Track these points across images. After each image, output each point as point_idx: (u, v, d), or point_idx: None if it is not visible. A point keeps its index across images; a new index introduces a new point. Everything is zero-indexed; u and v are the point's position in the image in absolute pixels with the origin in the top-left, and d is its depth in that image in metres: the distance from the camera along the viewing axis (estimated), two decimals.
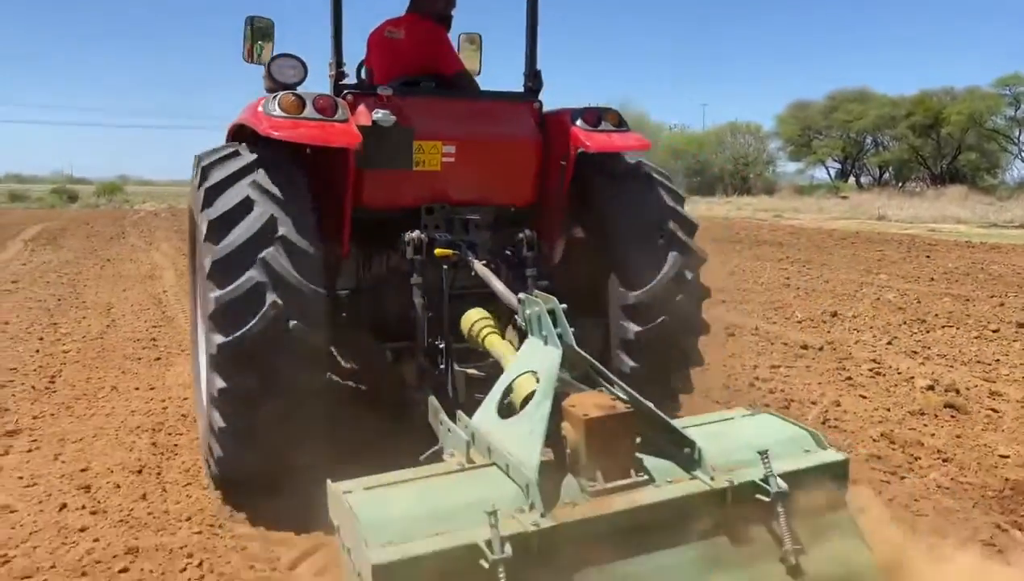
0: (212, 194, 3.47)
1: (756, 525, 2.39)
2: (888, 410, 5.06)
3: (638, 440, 2.47)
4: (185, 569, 3.04)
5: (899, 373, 5.95)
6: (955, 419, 4.92)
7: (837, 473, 2.59)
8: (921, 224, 22.55)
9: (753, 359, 6.40)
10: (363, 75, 4.62)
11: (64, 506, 3.55)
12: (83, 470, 3.97)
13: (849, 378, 5.82)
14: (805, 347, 6.80)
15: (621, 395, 2.60)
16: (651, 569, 2.28)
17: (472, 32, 5.21)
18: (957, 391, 5.40)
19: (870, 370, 6.00)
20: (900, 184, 43.93)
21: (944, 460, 4.22)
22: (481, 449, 2.59)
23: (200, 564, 3.07)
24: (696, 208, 31.07)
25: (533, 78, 4.41)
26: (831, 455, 2.64)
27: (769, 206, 31.74)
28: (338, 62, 4.03)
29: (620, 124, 4.25)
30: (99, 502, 3.61)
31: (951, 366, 6.21)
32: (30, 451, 4.24)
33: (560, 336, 2.70)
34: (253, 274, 3.26)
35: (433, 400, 3.16)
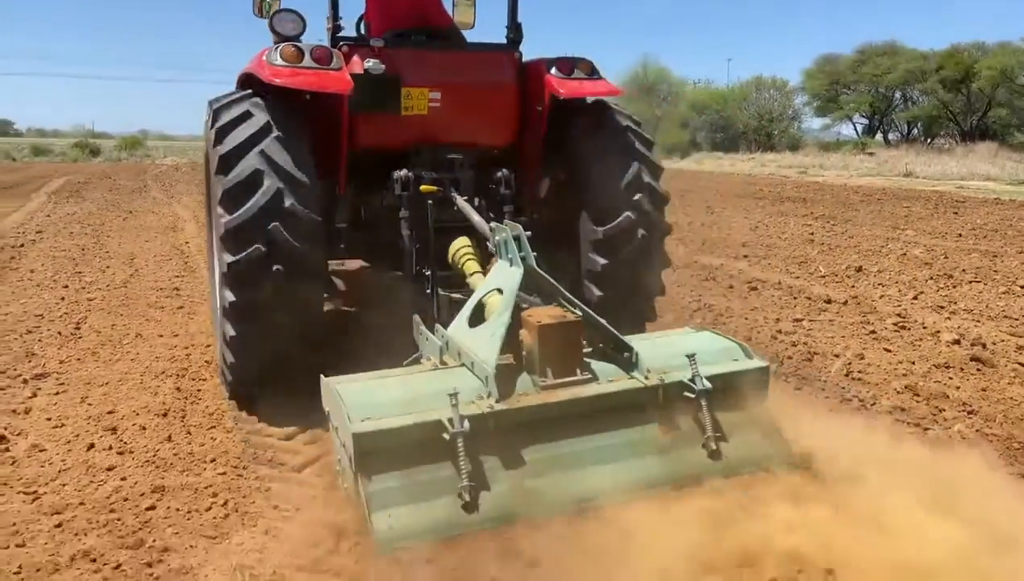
0: (222, 133, 3.87)
1: (683, 416, 2.97)
2: (913, 363, 5.01)
3: (586, 346, 3.05)
4: (210, 508, 3.09)
5: (924, 327, 5.87)
6: (981, 373, 4.85)
7: (759, 378, 3.16)
8: (949, 181, 22.11)
9: (775, 313, 6.35)
10: (362, 28, 4.98)
11: (92, 446, 3.61)
12: (109, 412, 4.02)
13: (873, 332, 5.75)
14: (829, 301, 6.73)
15: (572, 308, 3.10)
16: (589, 448, 2.85)
17: None
18: (983, 345, 5.33)
19: (895, 324, 5.93)
20: (928, 140, 43.02)
21: (969, 412, 4.18)
22: (453, 354, 3.14)
23: (225, 503, 3.11)
24: (719, 165, 30.80)
25: (514, 31, 4.77)
26: (754, 363, 3.20)
27: (793, 163, 31.22)
28: (335, 16, 4.51)
29: (592, 72, 4.59)
30: (125, 443, 3.66)
31: (978, 321, 6.12)
32: (57, 394, 4.30)
33: (523, 259, 3.21)
34: (257, 201, 3.70)
35: (416, 317, 3.63)
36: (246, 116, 3.91)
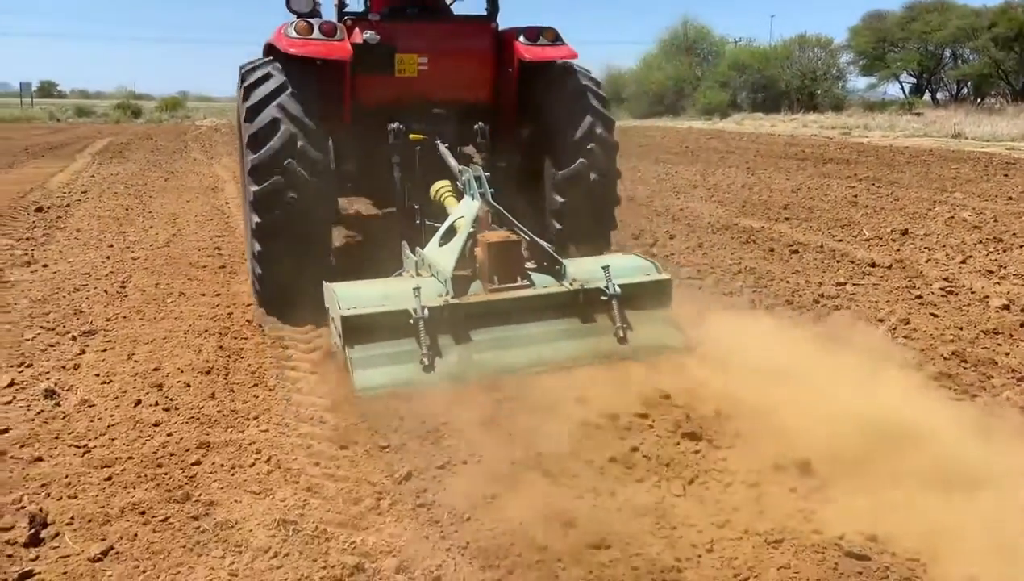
0: (248, 91, 4.78)
1: (600, 313, 4.07)
2: (960, 329, 4.89)
3: (532, 263, 4.18)
4: (254, 464, 3.15)
5: (973, 292, 5.73)
6: None
7: (662, 287, 4.27)
8: (999, 142, 21.38)
9: (818, 277, 6.23)
10: (366, 3, 5.84)
11: (138, 402, 3.69)
12: (155, 369, 4.11)
13: (919, 297, 5.63)
14: (873, 265, 6.59)
15: (517, 231, 4.14)
16: (524, 334, 3.93)
17: None
18: None
19: (942, 289, 5.79)
20: (979, 100, 41.59)
21: (1019, 379, 4.08)
22: (425, 267, 4.20)
23: (268, 460, 3.17)
24: (759, 125, 30.12)
25: (492, 4, 5.63)
26: (658, 276, 4.28)
27: (837, 123, 30.43)
28: None
29: (556, 39, 5.41)
30: (171, 400, 3.74)
31: None
32: (105, 350, 4.40)
33: (482, 194, 4.18)
34: (275, 144, 4.61)
35: (404, 242, 4.76)
36: (267, 77, 4.81)
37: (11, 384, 3.84)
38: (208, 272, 6.26)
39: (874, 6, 73.36)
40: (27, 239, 7.38)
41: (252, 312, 5.15)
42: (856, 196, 10.86)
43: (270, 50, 5.21)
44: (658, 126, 36.03)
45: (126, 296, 5.50)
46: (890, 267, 6.53)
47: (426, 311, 3.70)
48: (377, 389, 3.60)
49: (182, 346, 4.49)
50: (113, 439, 3.33)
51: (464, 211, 4.24)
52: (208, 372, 4.09)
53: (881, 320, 5.07)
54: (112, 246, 7.13)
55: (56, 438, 3.31)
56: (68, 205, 9.57)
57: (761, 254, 7.11)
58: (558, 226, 5.40)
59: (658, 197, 10.83)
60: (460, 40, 5.62)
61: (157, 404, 3.67)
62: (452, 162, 4.88)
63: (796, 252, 7.16)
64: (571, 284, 4.09)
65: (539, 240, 4.28)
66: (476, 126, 5.36)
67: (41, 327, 4.73)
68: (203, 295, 5.57)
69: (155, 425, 3.47)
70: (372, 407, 3.54)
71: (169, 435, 3.37)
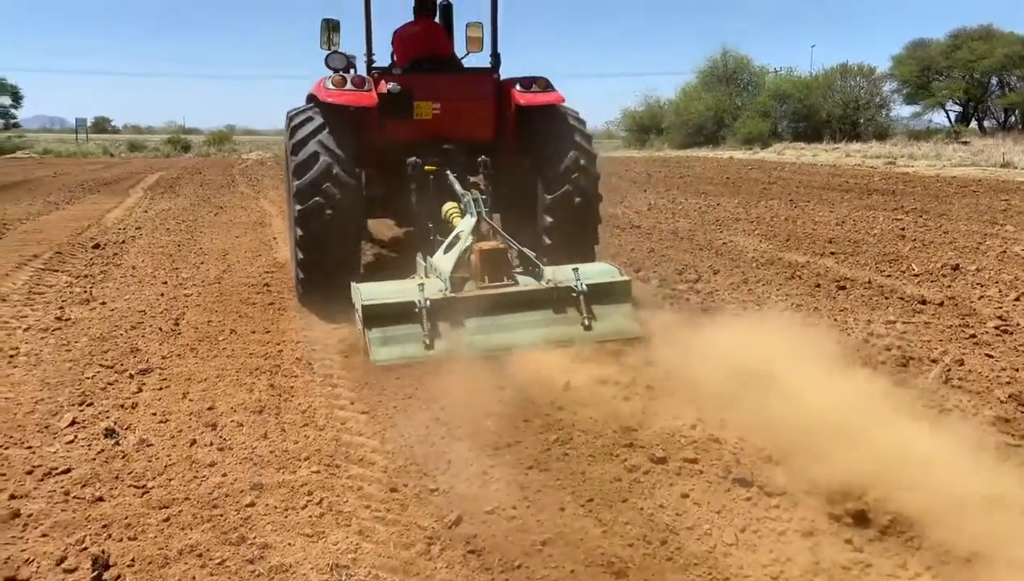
0: (294, 130, 5.93)
1: (570, 307, 5.07)
2: (1017, 371, 4.78)
3: (517, 266, 5.27)
4: (306, 506, 3.19)
5: None
6: None
7: (623, 287, 5.24)
8: None
9: (867, 314, 6.15)
10: (392, 58, 7.03)
11: (194, 442, 3.77)
12: (209, 408, 4.20)
13: (973, 336, 5.51)
14: (923, 302, 6.48)
15: (504, 240, 5.29)
16: (506, 322, 4.90)
17: (475, 21, 7.18)
18: None
19: (996, 328, 5.67)
20: None
21: None
22: (432, 272, 5.26)
23: (320, 502, 3.21)
24: (801, 155, 29.92)
25: (494, 59, 6.70)
26: (620, 278, 5.26)
27: (881, 152, 30.06)
28: (369, 53, 6.48)
29: (547, 87, 6.42)
30: (225, 439, 3.81)
31: None
32: (161, 389, 4.50)
33: (477, 212, 5.30)
34: (315, 172, 5.72)
35: (419, 254, 5.83)
36: (309, 120, 5.94)
37: (73, 423, 3.95)
38: (258, 309, 6.39)
39: (917, 35, 72.44)
40: (85, 276, 7.62)
41: (302, 350, 5.25)
42: (903, 229, 10.70)
43: (312, 98, 6.29)
44: (698, 156, 35.97)
45: (180, 333, 5.64)
46: (941, 304, 6.41)
47: (428, 302, 4.81)
48: (388, 361, 4.68)
49: (234, 385, 4.58)
50: (170, 479, 3.40)
51: (464, 226, 5.35)
52: (260, 411, 4.17)
53: (934, 361, 4.98)
54: (166, 283, 7.32)
55: (116, 478, 3.39)
56: (123, 241, 9.86)
57: (807, 290, 7.03)
58: (547, 241, 6.39)
59: (700, 231, 10.79)
60: (467, 89, 6.68)
61: (212, 444, 3.75)
62: (458, 188, 5.82)
63: (843, 288, 7.07)
64: (547, 283, 5.13)
65: (523, 248, 5.38)
66: (480, 159, 6.39)
67: (100, 365, 4.87)
68: (253, 332, 5.68)
69: (210, 465, 3.54)
70: (420, 449, 3.58)
71: (224, 476, 3.44)
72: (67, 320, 5.94)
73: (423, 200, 6.22)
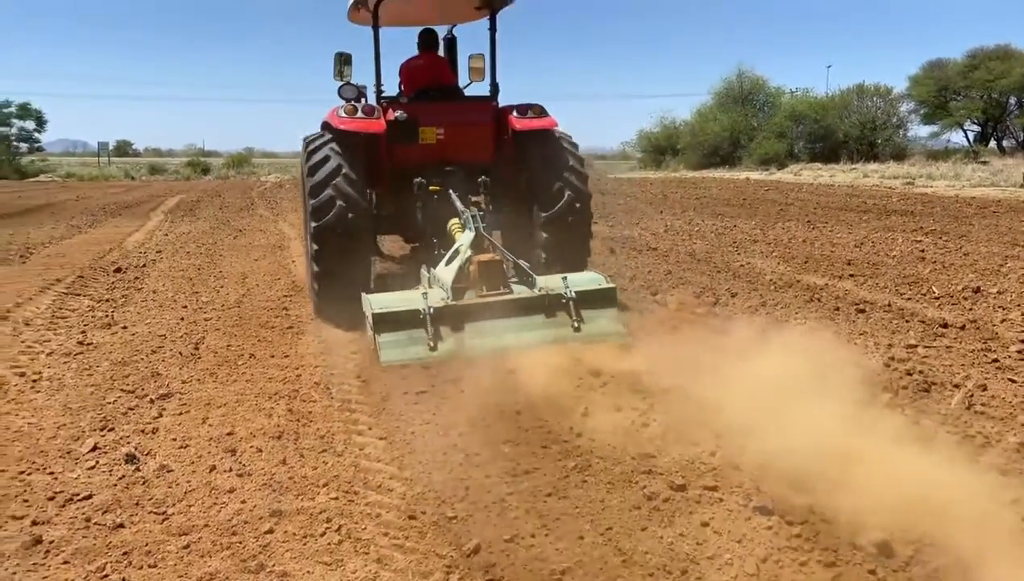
0: (310, 154, 6.46)
1: (560, 312, 5.46)
2: None
3: (511, 275, 5.63)
4: (324, 533, 3.19)
5: None
6: None
7: (609, 293, 5.65)
8: None
9: (887, 338, 6.09)
10: (399, 88, 7.59)
11: (213, 468, 3.79)
12: (228, 434, 4.22)
13: (996, 360, 5.45)
14: (945, 325, 6.41)
15: (501, 253, 5.71)
16: (504, 325, 5.29)
17: (477, 53, 7.69)
18: None
19: (1020, 352, 5.60)
20: None
21: None
22: (435, 283, 5.69)
23: (338, 529, 3.21)
24: (818, 175, 29.82)
25: (493, 88, 7.31)
26: (606, 286, 5.67)
27: (899, 173, 29.91)
28: (378, 84, 7.06)
29: (541, 113, 6.96)
30: (244, 465, 3.82)
31: None
32: (181, 414, 4.53)
33: (476, 228, 5.73)
34: (329, 192, 6.24)
35: (424, 266, 6.23)
36: (324, 145, 6.47)
37: (94, 448, 3.99)
38: (276, 333, 6.43)
39: (934, 55, 72.21)
40: (107, 300, 7.70)
41: (320, 374, 5.27)
42: (923, 251, 10.62)
43: (326, 126, 6.81)
44: (714, 177, 35.93)
45: (200, 358, 5.68)
46: (963, 328, 6.34)
47: (431, 309, 5.24)
48: (395, 362, 5.10)
49: (253, 410, 4.60)
50: (190, 506, 3.42)
51: (464, 240, 5.82)
52: (279, 437, 4.18)
53: (956, 386, 4.93)
54: (186, 307, 7.38)
55: (136, 504, 3.41)
56: (144, 265, 9.97)
57: (826, 313, 6.98)
58: (543, 255, 6.92)
59: (718, 253, 10.77)
60: (468, 115, 7.24)
61: (231, 470, 3.77)
62: (459, 206, 6.26)
63: (863, 311, 7.01)
64: (539, 291, 5.56)
65: (517, 260, 5.84)
66: (480, 179, 6.95)
67: (121, 390, 4.91)
68: (272, 357, 5.72)
69: (229, 491, 3.55)
70: (438, 475, 3.57)
71: (243, 502, 3.45)
72: (89, 344, 6.00)
73: (428, 217, 6.78)
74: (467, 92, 7.77)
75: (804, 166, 38.11)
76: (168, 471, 3.75)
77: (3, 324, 6.61)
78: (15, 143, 45.30)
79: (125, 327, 6.57)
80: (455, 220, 6.31)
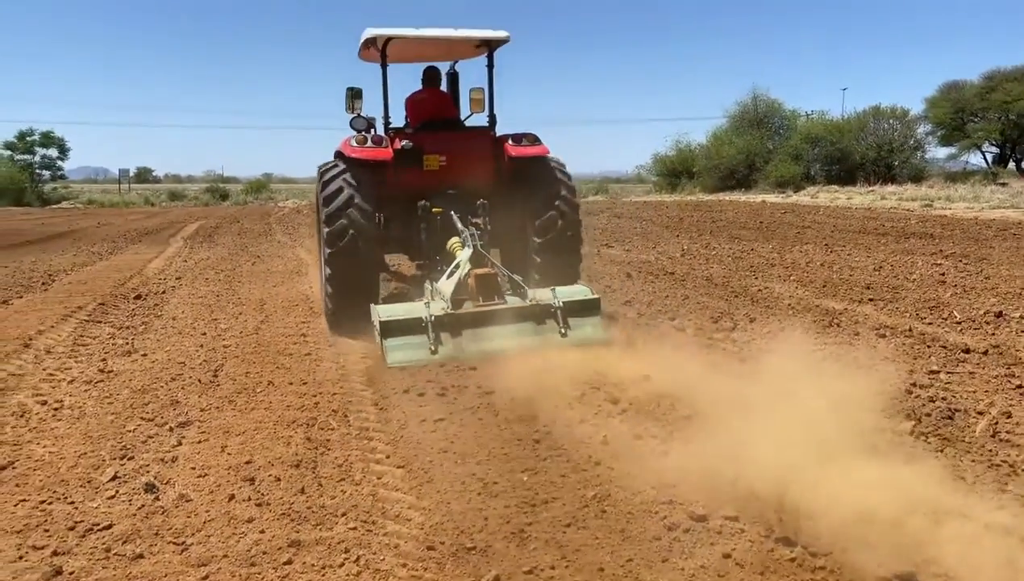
0: (325, 182, 7.16)
1: (549, 320, 6.14)
2: None
3: (506, 288, 6.33)
4: (343, 564, 3.18)
5: None
6: None
7: (593, 303, 6.36)
8: None
9: (908, 364, 6.03)
10: (405, 119, 8.24)
11: (232, 497, 3.78)
12: (247, 462, 4.22)
13: (1020, 386, 5.37)
14: (967, 351, 6.34)
15: (496, 267, 6.42)
16: (499, 331, 5.94)
17: (477, 87, 8.21)
18: None
19: None
20: None
21: None
22: (437, 295, 6.29)
23: (357, 560, 3.20)
24: (835, 198, 29.68)
25: (491, 119, 8.06)
26: (591, 296, 6.40)
27: (917, 195, 29.77)
28: (386, 116, 7.80)
29: (535, 141, 7.76)
30: (263, 495, 3.82)
31: None
32: (200, 442, 4.54)
33: (473, 246, 6.48)
34: (343, 215, 6.94)
35: (427, 281, 6.88)
36: (337, 172, 7.16)
37: (114, 478, 4.00)
38: (295, 359, 6.45)
39: (950, 77, 71.98)
40: (127, 327, 7.76)
41: (338, 402, 5.27)
42: (943, 274, 10.53)
43: (339, 154, 7.57)
44: (730, 200, 35.87)
45: (219, 385, 5.70)
46: (986, 353, 6.27)
47: (433, 317, 5.96)
48: (401, 364, 5.79)
49: (272, 438, 4.60)
50: (209, 536, 3.42)
51: (462, 256, 6.53)
52: (297, 465, 4.18)
53: (980, 413, 4.86)
54: (205, 334, 7.42)
55: (156, 534, 3.42)
56: (164, 292, 10.05)
57: (846, 339, 6.92)
58: (536, 276, 7.51)
59: (735, 277, 10.72)
60: (468, 144, 7.93)
61: (250, 499, 3.77)
62: (459, 226, 7.02)
63: (883, 336, 6.95)
64: (530, 301, 6.29)
65: (511, 274, 6.62)
66: (479, 202, 7.44)
67: (141, 418, 4.94)
68: (290, 384, 5.73)
69: (248, 521, 3.55)
70: (456, 505, 3.55)
71: (262, 532, 3.44)
72: (110, 372, 6.05)
73: (431, 237, 7.44)
74: (468, 122, 8.39)
75: (821, 188, 38.00)
76: (187, 500, 3.76)
77: (25, 352, 6.68)
78: (38, 171, 46.00)
79: (145, 354, 6.61)
80: (456, 239, 7.06)
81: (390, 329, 5.93)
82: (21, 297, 9.64)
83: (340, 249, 6.89)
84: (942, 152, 48.06)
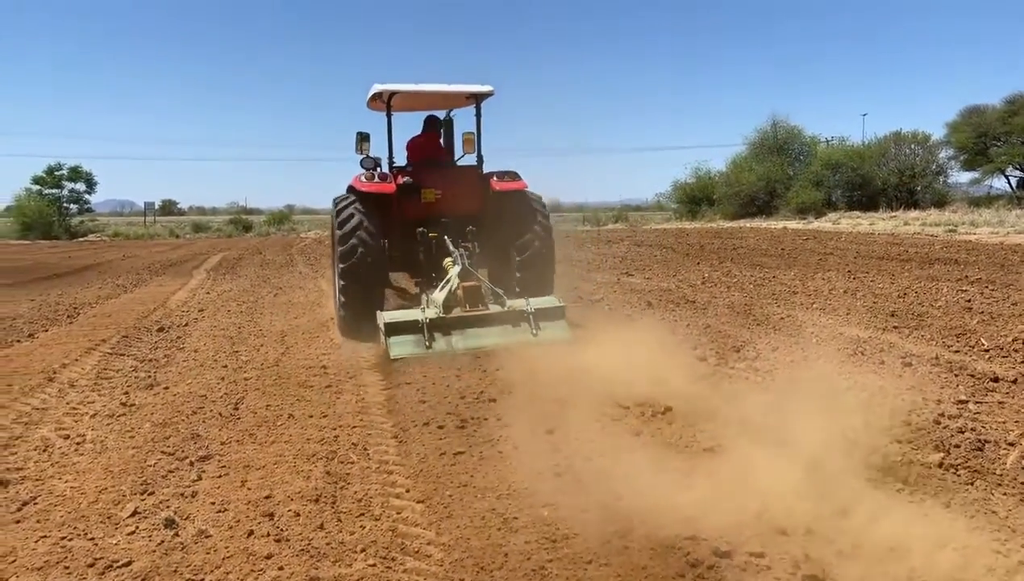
0: (339, 211, 8.59)
1: (523, 323, 7.61)
2: None
3: (488, 297, 7.89)
4: None
5: None
6: None
7: (560, 310, 7.86)
8: None
9: (935, 393, 5.91)
10: (407, 159, 9.72)
11: (251, 533, 3.77)
12: (266, 497, 4.20)
13: None
14: (996, 379, 6.22)
15: (480, 280, 7.99)
16: (480, 331, 7.50)
17: (469, 131, 9.62)
18: None
19: None
20: None
21: None
22: (432, 303, 7.65)
23: None
24: (857, 223, 29.40)
25: (479, 159, 9.50)
26: (558, 305, 7.89)
27: (940, 220, 29.50)
28: (390, 156, 9.40)
29: (515, 177, 9.16)
30: (281, 530, 3.80)
31: None
32: (220, 476, 4.54)
33: (462, 263, 7.89)
34: (353, 240, 8.29)
35: (424, 293, 8.05)
36: (349, 204, 8.58)
37: (134, 513, 4.00)
38: (315, 392, 6.45)
39: (971, 101, 71.56)
40: (150, 360, 7.82)
41: (357, 435, 5.26)
42: (969, 301, 10.38)
43: (351, 189, 8.89)
44: (751, 227, 35.73)
45: (239, 418, 5.71)
46: (1015, 382, 6.14)
47: (427, 320, 7.38)
48: (400, 356, 7.11)
49: (291, 472, 4.59)
50: (228, 572, 3.39)
51: (453, 272, 7.90)
52: (317, 500, 4.16)
53: (1011, 444, 4.75)
54: (226, 366, 7.46)
55: (175, 572, 3.40)
56: (186, 324, 10.13)
57: (871, 367, 6.81)
58: (517, 288, 8.81)
59: (757, 305, 10.63)
60: (459, 179, 9.41)
61: (269, 535, 3.74)
62: (451, 248, 8.44)
63: (909, 365, 6.84)
64: (508, 308, 7.74)
65: (493, 287, 8.23)
66: (468, 228, 8.97)
67: (162, 452, 4.95)
68: (310, 417, 5.72)
69: (267, 557, 3.52)
70: (476, 541, 3.51)
71: (280, 569, 3.41)
72: (131, 405, 6.08)
73: (428, 257, 8.88)
74: (461, 161, 9.97)
75: (842, 214, 37.77)
76: (206, 536, 3.74)
77: (49, 386, 6.74)
78: (66, 204, 46.79)
79: (167, 387, 6.65)
80: (448, 259, 8.39)
81: (392, 329, 7.32)
82: (46, 330, 9.76)
83: (351, 265, 8.26)
84: (965, 177, 47.56)
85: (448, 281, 7.75)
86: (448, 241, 8.53)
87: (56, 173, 46.62)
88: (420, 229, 8.85)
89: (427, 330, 7.27)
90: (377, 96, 9.17)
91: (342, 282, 8.36)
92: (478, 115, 9.49)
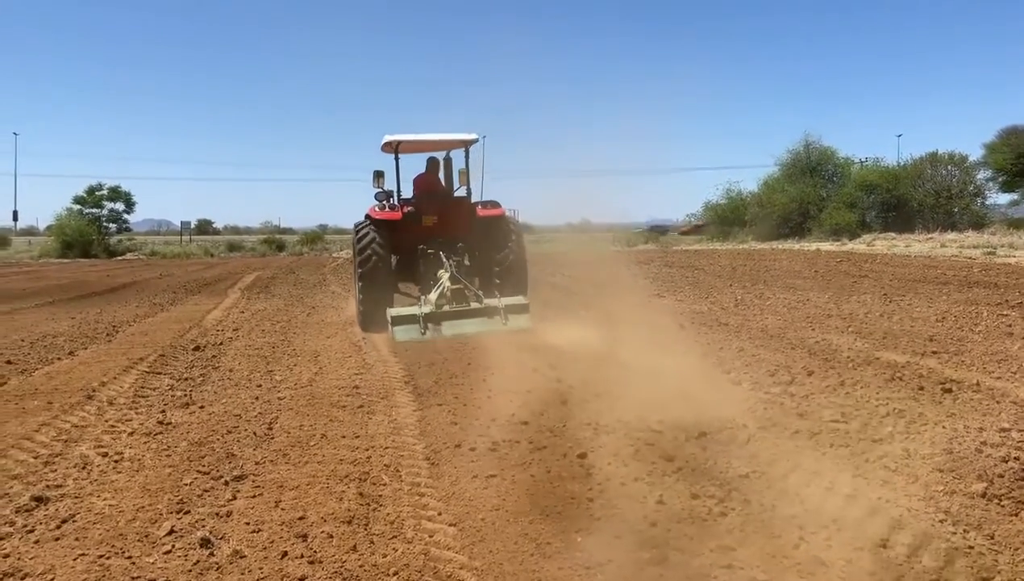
0: (358, 234, 11.63)
1: (496, 315, 10.10)
2: None
3: (471, 297, 10.46)
4: None
5: None
6: None
7: (525, 307, 10.40)
8: None
9: (978, 420, 5.78)
10: (412, 192, 12.42)
11: (285, 554, 3.78)
12: (300, 518, 4.22)
13: None
14: None
15: (466, 284, 10.59)
16: (464, 321, 10.05)
17: (463, 167, 12.44)
18: None
19: None
20: None
21: None
22: (427, 302, 10.27)
23: None
24: (892, 245, 28.94)
25: (468, 191, 12.27)
26: (524, 302, 10.54)
27: (979, 242, 29.01)
28: (398, 191, 12.30)
29: (495, 206, 12.05)
30: (315, 552, 3.81)
31: None
32: (254, 497, 4.57)
33: (452, 272, 10.51)
34: (370, 255, 11.18)
35: (422, 296, 10.67)
36: (366, 227, 11.44)
37: (171, 532, 4.04)
38: (347, 412, 6.49)
39: (1009, 122, 70.43)
40: (186, 379, 7.93)
41: (390, 456, 5.27)
42: (1011, 325, 10.16)
43: (367, 216, 11.71)
44: (784, 249, 35.41)
45: (273, 438, 5.75)
46: None
47: (424, 314, 9.76)
48: (402, 340, 9.44)
49: (325, 492, 4.61)
50: None
51: (444, 278, 10.28)
52: (349, 522, 4.17)
53: None
54: (260, 386, 7.53)
55: None
56: (221, 343, 10.26)
57: (910, 393, 6.69)
58: (496, 290, 11.09)
59: (791, 328, 10.51)
60: (453, 208, 12.12)
61: (302, 556, 3.76)
62: (445, 261, 10.71)
63: (949, 391, 6.69)
64: (484, 304, 10.12)
65: (475, 290, 10.73)
66: (459, 245, 11.63)
67: (198, 471, 5.00)
68: (343, 437, 5.75)
69: (301, 579, 3.54)
70: (508, 566, 3.49)
71: None
72: (168, 424, 6.16)
73: (427, 269, 11.27)
74: (457, 193, 12.60)
75: (877, 236, 37.30)
76: (241, 557, 3.76)
77: (89, 403, 6.85)
78: (105, 223, 47.80)
79: (202, 406, 6.73)
80: (442, 269, 10.62)
81: (396, 321, 9.75)
82: (86, 348, 9.95)
83: (367, 271, 11.03)
84: (1004, 198, 46.85)
85: (440, 285, 10.27)
86: (442, 256, 10.96)
87: (96, 193, 47.69)
88: (420, 247, 11.56)
89: (423, 321, 9.71)
90: (388, 143, 12.07)
91: (360, 284, 11.21)
92: (467, 156, 12.41)
